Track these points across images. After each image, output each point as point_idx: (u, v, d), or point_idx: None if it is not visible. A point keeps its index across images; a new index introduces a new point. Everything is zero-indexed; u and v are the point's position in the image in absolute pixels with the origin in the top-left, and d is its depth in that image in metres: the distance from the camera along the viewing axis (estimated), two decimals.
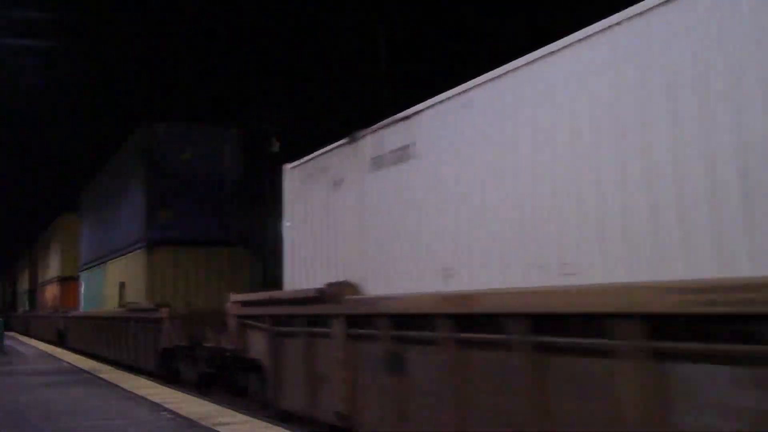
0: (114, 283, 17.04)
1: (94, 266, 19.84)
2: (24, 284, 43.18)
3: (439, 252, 5.52)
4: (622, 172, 4.13)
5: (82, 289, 21.83)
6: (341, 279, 6.51)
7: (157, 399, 8.87)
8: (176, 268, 14.33)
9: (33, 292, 39.29)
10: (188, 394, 9.61)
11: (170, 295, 14.06)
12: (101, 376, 12.42)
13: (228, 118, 15.68)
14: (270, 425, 6.94)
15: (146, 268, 14.12)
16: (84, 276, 21.69)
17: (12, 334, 36.73)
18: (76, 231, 27.25)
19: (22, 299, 43.70)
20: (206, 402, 8.71)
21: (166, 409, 7.98)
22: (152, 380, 11.71)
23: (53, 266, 29.38)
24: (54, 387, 10.72)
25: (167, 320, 11.41)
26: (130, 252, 15.39)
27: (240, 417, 7.42)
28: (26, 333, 36.65)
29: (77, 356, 18.23)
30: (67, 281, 27.30)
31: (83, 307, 21.65)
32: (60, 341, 24.81)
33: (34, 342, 29.25)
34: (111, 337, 15.72)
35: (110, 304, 17.46)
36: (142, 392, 9.64)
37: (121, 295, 16.25)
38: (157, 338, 12.19)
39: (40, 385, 11.07)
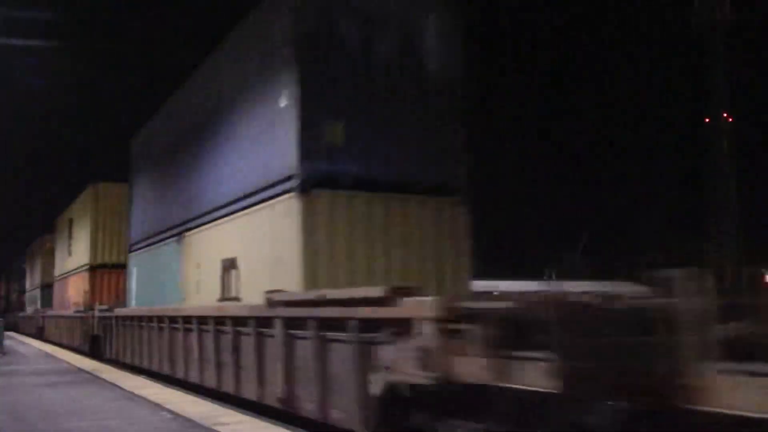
0: (207, 262, 10.59)
1: (160, 243, 13.40)
2: (35, 279, 36.70)
3: None
4: None
5: (134, 277, 15.40)
6: None
7: (157, 399, 8.74)
8: (352, 227, 7.93)
9: (47, 288, 32.86)
10: (188, 394, 9.34)
11: (344, 277, 7.68)
12: (101, 376, 12.20)
13: None
14: (270, 425, 6.81)
15: (301, 226, 7.69)
16: (137, 259, 15.26)
17: (11, 334, 31.56)
18: (116, 203, 21.00)
19: (33, 297, 37.20)
20: (206, 402, 8.56)
21: (165, 409, 7.86)
22: (152, 380, 11.30)
23: (79, 253, 22.94)
24: (54, 387, 10.64)
25: (432, 327, 4.94)
26: (253, 205, 8.94)
27: (240, 417, 7.34)
28: (40, 337, 30.16)
29: (77, 356, 17.50)
30: (102, 270, 20.90)
31: (135, 303, 15.19)
32: (93, 350, 18.34)
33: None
34: (219, 355, 9.16)
35: (196, 297, 11.02)
36: (142, 392, 9.52)
37: (226, 281, 9.79)
38: (369, 364, 5.70)
39: (41, 385, 10.95)
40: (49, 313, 28.59)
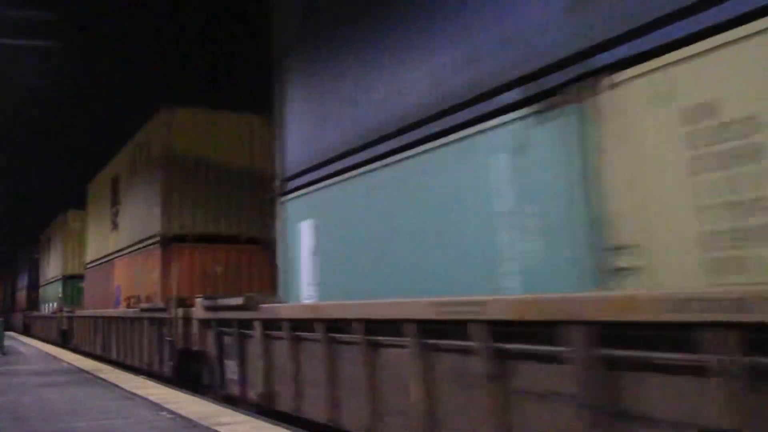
0: None
1: (416, 149, 5.63)
2: (53, 269, 28.89)
3: None
4: None
5: (304, 241, 7.46)
6: None
7: (157, 399, 8.68)
8: None
9: (73, 280, 25.19)
10: (188, 394, 9.27)
11: None
12: (101, 376, 11.92)
13: None
14: (270, 425, 6.74)
15: None
16: (313, 205, 7.34)
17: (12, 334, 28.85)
18: (205, 139, 13.68)
19: (51, 292, 29.40)
20: (206, 402, 8.50)
21: (165, 409, 7.83)
22: (152, 380, 11.09)
23: (137, 222, 15.12)
24: (55, 387, 10.43)
25: None
26: None
27: (240, 417, 7.24)
28: (65, 344, 22.43)
29: (77, 356, 17.32)
30: (182, 245, 13.13)
31: (314, 291, 7.25)
32: (184, 376, 10.82)
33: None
34: None
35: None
36: (142, 392, 9.40)
37: None
38: None
39: (41, 385, 10.73)
40: (80, 312, 20.74)
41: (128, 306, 15.19)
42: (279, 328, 7.38)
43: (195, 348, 10.03)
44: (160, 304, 11.61)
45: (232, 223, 13.66)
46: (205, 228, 13.43)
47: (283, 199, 8.06)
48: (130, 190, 15.92)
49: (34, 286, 38.19)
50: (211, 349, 9.44)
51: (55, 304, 27.13)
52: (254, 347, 8.05)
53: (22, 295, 43.72)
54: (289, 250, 7.88)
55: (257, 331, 7.89)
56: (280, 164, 8.23)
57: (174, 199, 13.28)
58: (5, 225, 45.07)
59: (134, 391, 9.57)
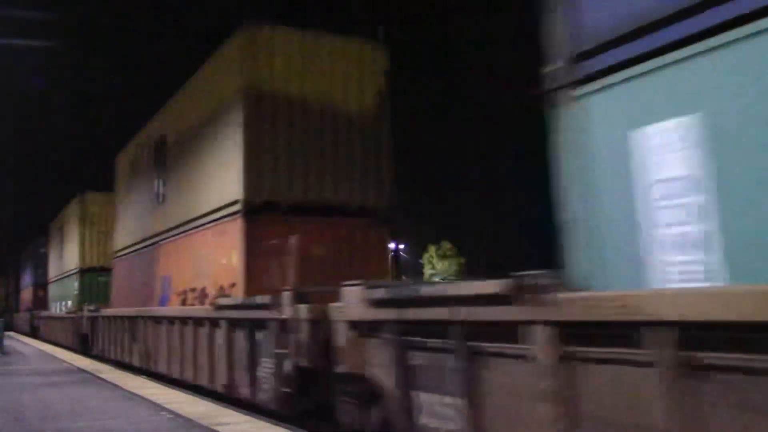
0: None
1: None
2: (67, 263, 25.08)
3: None
4: None
5: (661, 161, 3.69)
6: None
7: (157, 399, 8.65)
8: None
9: (95, 273, 21.45)
10: (188, 394, 9.29)
11: None
12: (102, 376, 11.92)
13: None
14: (270, 425, 6.77)
15: None
16: None
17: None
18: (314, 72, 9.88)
19: (63, 289, 25.59)
20: (206, 402, 8.51)
21: (166, 409, 7.76)
22: (153, 380, 11.18)
23: (211, 189, 11.19)
24: (55, 387, 10.45)
25: None
26: None
27: (240, 417, 7.27)
28: (86, 349, 18.60)
29: (77, 356, 17.18)
30: (270, 216, 9.35)
31: (693, 270, 3.49)
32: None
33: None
34: None
35: None
36: (142, 392, 9.37)
37: None
38: None
39: (41, 384, 10.75)
40: (109, 311, 16.87)
41: (184, 302, 11.40)
42: (617, 341, 3.55)
43: (342, 370, 6.18)
44: (262, 299, 7.74)
45: (338, 187, 9.90)
46: (303, 194, 9.64)
47: (581, 91, 4.22)
48: (187, 148, 12.09)
49: (41, 283, 34.62)
50: (383, 372, 5.60)
51: (70, 303, 23.37)
52: (523, 375, 4.21)
53: (27, 293, 40.05)
54: (601, 189, 4.04)
55: (538, 346, 4.05)
56: (566, 30, 4.38)
57: (262, 153, 9.47)
58: (7, 220, 41.67)
59: (134, 391, 9.56)
